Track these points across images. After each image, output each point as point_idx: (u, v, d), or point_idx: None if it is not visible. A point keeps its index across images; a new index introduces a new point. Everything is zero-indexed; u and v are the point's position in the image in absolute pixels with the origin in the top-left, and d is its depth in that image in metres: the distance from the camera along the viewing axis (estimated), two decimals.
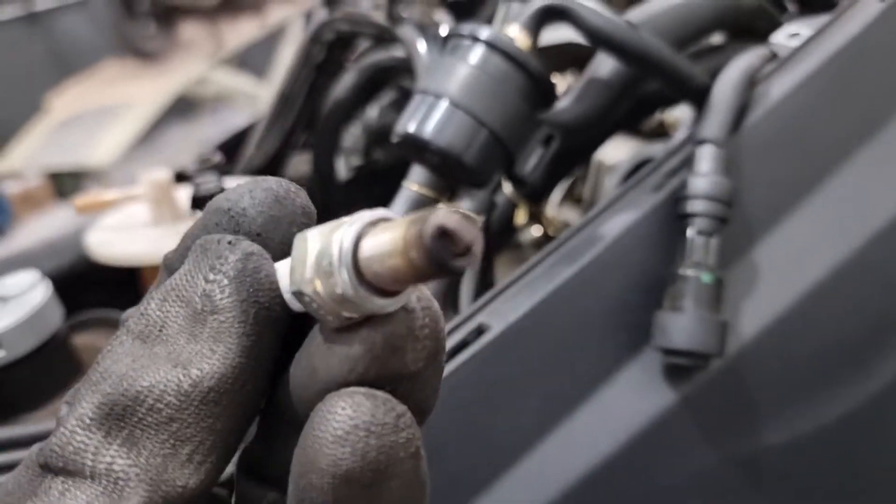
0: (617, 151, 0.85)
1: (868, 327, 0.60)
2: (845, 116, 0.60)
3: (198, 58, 4.38)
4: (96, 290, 0.91)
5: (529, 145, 0.57)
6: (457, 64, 0.55)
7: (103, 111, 4.17)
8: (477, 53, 0.55)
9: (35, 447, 0.24)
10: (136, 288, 0.90)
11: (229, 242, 0.24)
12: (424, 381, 0.24)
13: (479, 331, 0.53)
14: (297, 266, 0.23)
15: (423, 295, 0.23)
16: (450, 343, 0.53)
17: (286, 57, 4.50)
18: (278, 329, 0.25)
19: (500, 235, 0.75)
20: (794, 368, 0.59)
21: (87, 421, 0.23)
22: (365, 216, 0.22)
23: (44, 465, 0.23)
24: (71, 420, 0.23)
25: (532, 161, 0.58)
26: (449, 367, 0.52)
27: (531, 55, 0.55)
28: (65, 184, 4.12)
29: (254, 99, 4.34)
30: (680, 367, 0.54)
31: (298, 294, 0.23)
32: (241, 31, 4.53)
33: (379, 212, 0.22)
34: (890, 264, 0.59)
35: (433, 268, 0.20)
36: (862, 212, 0.59)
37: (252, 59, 4.63)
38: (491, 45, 0.54)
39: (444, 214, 0.20)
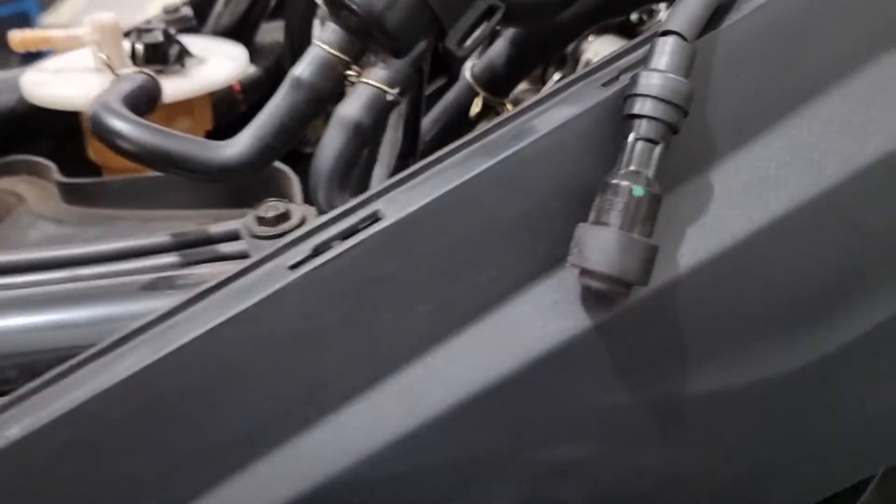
0: (606, 50, 0.77)
1: (831, 279, 0.53)
2: (847, 31, 0.51)
3: None
4: (38, 137, 0.86)
5: (466, 15, 0.49)
6: None
7: None
8: None
9: None
10: (78, 137, 0.84)
11: None
12: None
13: (374, 218, 0.47)
14: None
15: None
16: (338, 228, 0.47)
17: None
18: None
19: (453, 124, 0.68)
20: (737, 312, 0.52)
21: None
22: None
23: None
24: None
25: (472, 36, 0.50)
26: (332, 252, 0.46)
27: None
28: None
29: None
30: (601, 291, 0.47)
31: None
32: None
33: None
34: (867, 211, 0.51)
35: None
36: (845, 145, 0.50)
37: None
38: None
39: None
